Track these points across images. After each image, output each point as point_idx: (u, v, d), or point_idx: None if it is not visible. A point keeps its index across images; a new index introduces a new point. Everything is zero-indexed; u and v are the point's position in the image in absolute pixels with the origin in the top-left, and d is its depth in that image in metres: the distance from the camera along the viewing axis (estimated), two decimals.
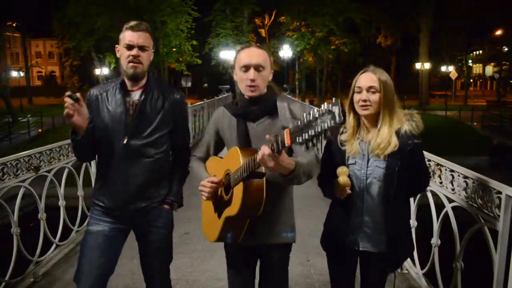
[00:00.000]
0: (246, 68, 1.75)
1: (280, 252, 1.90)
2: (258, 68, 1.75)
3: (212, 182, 1.79)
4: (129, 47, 1.91)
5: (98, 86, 2.07)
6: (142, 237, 2.12)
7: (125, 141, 1.93)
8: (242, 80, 1.78)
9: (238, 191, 1.65)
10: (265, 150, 1.46)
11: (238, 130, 1.82)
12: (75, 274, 1.97)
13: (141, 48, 1.93)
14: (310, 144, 1.23)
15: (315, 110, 1.23)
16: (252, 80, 1.74)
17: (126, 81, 2.00)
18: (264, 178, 1.64)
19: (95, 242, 1.99)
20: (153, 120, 1.98)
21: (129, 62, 1.92)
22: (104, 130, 1.96)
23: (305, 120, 1.24)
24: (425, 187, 2.13)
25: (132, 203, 1.99)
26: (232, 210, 1.70)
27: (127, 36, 1.92)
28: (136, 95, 2.00)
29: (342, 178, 1.78)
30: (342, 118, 1.18)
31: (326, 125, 1.18)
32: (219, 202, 1.83)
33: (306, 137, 1.22)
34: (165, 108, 2.01)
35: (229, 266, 2.00)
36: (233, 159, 1.71)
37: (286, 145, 1.34)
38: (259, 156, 1.48)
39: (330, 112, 1.18)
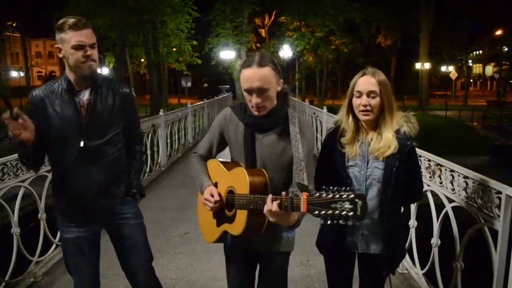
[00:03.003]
0: (249, 92, 1.68)
1: (279, 259, 1.88)
2: (260, 91, 1.65)
3: (216, 198, 1.77)
4: (80, 47, 1.84)
5: (41, 88, 1.98)
6: (114, 233, 2.10)
7: (82, 144, 1.89)
8: (247, 100, 1.71)
9: (242, 215, 1.67)
10: (273, 206, 1.48)
11: (245, 139, 1.78)
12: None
13: (92, 46, 1.87)
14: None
15: (338, 192, 1.26)
16: (257, 104, 1.67)
17: (73, 80, 1.93)
18: None
19: (75, 250, 2.02)
20: (106, 119, 1.94)
21: (84, 62, 1.86)
22: (55, 134, 1.90)
23: (327, 197, 1.26)
24: (419, 195, 2.05)
25: (96, 202, 1.98)
26: (233, 229, 1.73)
27: (74, 36, 1.82)
28: (85, 95, 1.94)
29: None
30: (363, 215, 1.22)
31: (343, 215, 1.22)
32: (220, 212, 1.83)
33: (322, 213, 1.27)
34: (116, 105, 1.97)
35: (228, 270, 1.98)
36: (239, 180, 1.70)
37: (301, 211, 1.36)
38: (265, 209, 1.50)
39: (353, 202, 1.21)
